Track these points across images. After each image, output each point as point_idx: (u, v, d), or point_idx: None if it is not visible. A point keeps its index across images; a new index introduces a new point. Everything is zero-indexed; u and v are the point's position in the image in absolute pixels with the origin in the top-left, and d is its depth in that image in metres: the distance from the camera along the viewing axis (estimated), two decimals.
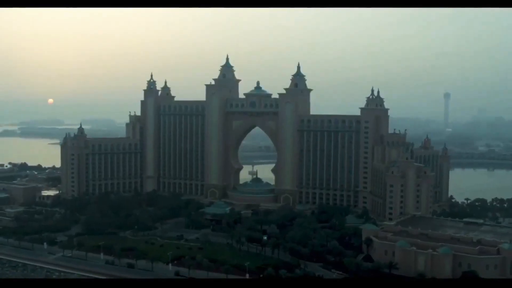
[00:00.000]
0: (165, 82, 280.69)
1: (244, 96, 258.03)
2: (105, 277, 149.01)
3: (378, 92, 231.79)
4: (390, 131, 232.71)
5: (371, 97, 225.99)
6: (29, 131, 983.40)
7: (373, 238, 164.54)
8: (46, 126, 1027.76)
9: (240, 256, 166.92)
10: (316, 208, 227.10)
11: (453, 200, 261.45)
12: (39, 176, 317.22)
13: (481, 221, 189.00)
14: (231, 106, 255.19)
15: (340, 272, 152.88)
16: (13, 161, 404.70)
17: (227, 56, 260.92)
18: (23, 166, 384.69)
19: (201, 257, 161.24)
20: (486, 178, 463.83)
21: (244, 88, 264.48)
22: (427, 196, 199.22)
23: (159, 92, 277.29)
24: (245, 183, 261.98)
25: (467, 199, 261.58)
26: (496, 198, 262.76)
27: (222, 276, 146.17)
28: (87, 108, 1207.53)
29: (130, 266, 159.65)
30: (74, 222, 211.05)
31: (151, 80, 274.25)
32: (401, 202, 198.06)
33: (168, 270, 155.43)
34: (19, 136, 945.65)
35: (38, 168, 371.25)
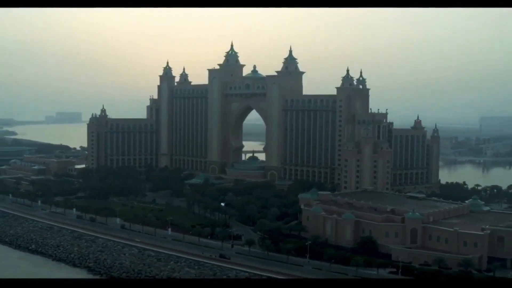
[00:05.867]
0: (183, 69, 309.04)
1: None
2: (70, 227, 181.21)
3: (361, 72, 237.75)
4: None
5: (346, 76, 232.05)
6: None
7: (302, 206, 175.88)
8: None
9: (186, 217, 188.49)
10: (297, 184, 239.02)
11: (465, 186, 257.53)
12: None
13: (424, 196, 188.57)
14: (230, 88, 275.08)
15: (261, 233, 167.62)
16: (83, 145, 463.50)
17: (232, 42, 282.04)
18: None
19: (151, 215, 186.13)
20: None
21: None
22: (383, 171, 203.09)
23: (177, 78, 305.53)
24: (242, 161, 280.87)
25: (477, 185, 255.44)
26: (511, 185, 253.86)
27: (151, 229, 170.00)
28: None
29: (92, 220, 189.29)
30: (81, 188, 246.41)
31: (167, 67, 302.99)
32: (357, 176, 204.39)
33: (116, 223, 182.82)
34: None
35: None
